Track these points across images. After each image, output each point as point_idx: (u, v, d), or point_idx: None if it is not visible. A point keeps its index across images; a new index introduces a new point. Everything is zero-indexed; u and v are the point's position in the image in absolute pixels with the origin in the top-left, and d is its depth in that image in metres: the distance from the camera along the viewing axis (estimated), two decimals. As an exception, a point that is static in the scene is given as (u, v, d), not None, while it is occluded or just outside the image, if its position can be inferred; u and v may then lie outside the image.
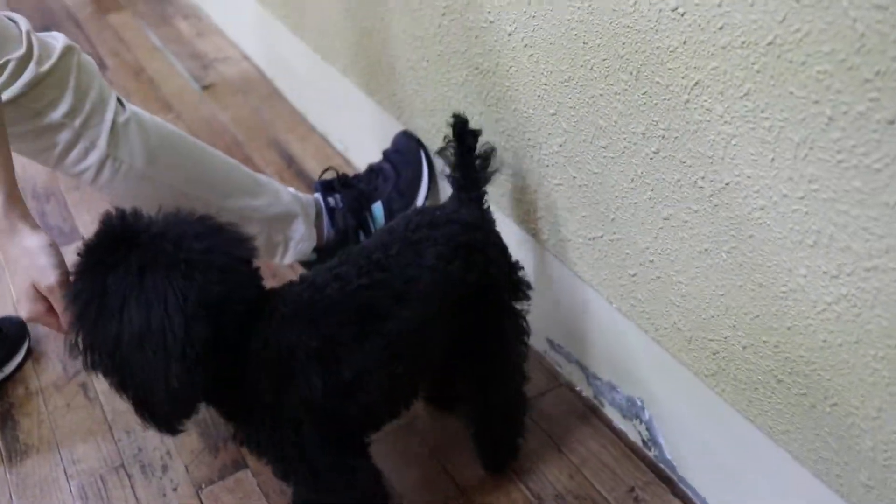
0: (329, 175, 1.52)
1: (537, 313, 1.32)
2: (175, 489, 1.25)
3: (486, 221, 1.08)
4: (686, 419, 1.11)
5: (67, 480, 1.28)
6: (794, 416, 0.92)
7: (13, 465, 1.30)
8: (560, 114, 1.09)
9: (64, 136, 1.17)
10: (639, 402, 1.19)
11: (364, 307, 0.94)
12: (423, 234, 1.00)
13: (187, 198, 1.28)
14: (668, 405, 1.14)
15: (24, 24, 1.13)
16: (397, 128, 1.55)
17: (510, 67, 1.15)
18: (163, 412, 0.88)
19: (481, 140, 1.10)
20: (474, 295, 1.03)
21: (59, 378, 1.43)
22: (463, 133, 1.08)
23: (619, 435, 1.25)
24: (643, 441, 1.21)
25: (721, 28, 0.81)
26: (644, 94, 0.94)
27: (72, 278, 0.88)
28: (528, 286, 1.10)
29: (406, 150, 1.50)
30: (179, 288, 0.84)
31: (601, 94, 1.01)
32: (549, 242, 1.23)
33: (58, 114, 1.15)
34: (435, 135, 1.43)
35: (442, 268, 0.98)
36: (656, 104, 0.93)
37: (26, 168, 1.90)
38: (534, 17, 1.06)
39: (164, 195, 1.26)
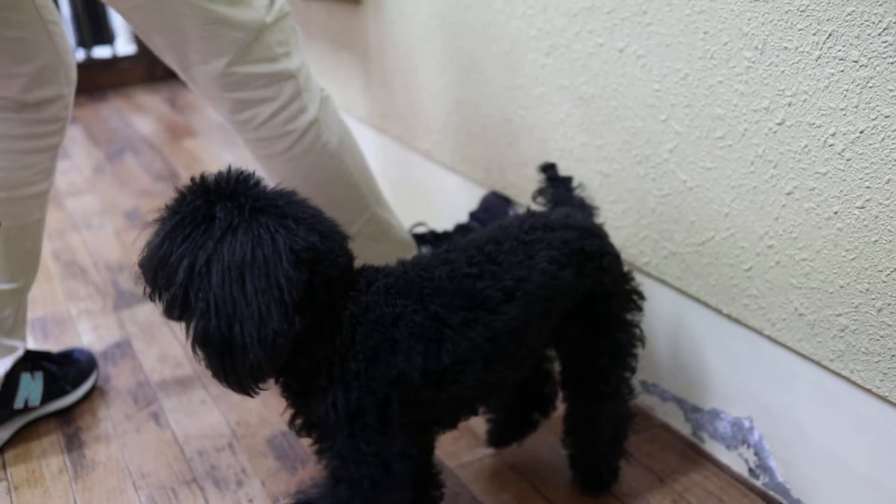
0: (420, 229, 1.54)
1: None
2: (251, 501, 1.18)
3: (601, 229, 1.07)
4: (805, 427, 1.06)
5: (136, 492, 1.21)
6: (938, 375, 0.88)
7: (79, 478, 1.25)
8: (672, 117, 1.12)
9: (288, 90, 1.20)
10: (746, 424, 1.15)
11: (473, 296, 0.92)
12: (537, 236, 0.98)
13: (356, 190, 1.30)
14: (782, 416, 1.09)
15: None
16: (480, 195, 1.59)
17: (619, 85, 1.20)
18: (246, 363, 0.82)
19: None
20: (586, 303, 1.01)
21: (130, 409, 1.40)
22: (555, 177, 1.12)
23: (723, 468, 1.19)
24: (750, 470, 1.15)
25: (859, -30, 0.86)
26: (770, 65, 0.97)
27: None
28: (641, 296, 1.08)
29: (495, 207, 1.52)
30: (289, 233, 0.83)
31: (720, 82, 1.04)
32: (651, 264, 1.23)
33: (291, 64, 1.19)
34: (525, 186, 1.46)
35: (553, 271, 0.96)
36: (783, 72, 0.96)
37: (98, 245, 1.94)
38: (649, 24, 1.12)
39: (341, 179, 1.28)
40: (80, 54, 3.13)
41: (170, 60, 1.18)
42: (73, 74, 1.26)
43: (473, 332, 0.91)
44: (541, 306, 0.96)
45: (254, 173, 0.89)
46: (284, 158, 1.24)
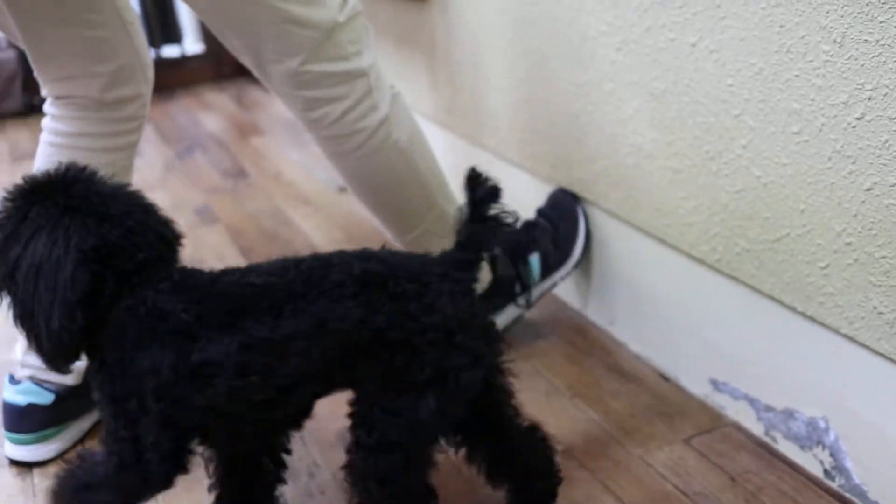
0: (486, 225, 1.53)
1: (699, 353, 1.29)
2: (323, 492, 1.20)
3: (443, 279, 0.96)
4: (884, 428, 1.04)
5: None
6: None
7: (154, 469, 1.27)
8: (746, 112, 1.11)
9: (360, 88, 1.22)
10: (822, 424, 1.13)
11: (244, 303, 0.91)
12: (341, 262, 0.96)
13: (425, 187, 1.32)
14: (859, 416, 1.07)
15: None
16: (547, 192, 1.58)
17: (691, 80, 1.18)
18: (48, 348, 0.91)
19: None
20: (381, 345, 0.93)
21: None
22: (475, 188, 0.98)
23: (797, 469, 1.17)
24: (825, 471, 1.13)
25: (944, -40, 0.84)
26: (849, 58, 0.96)
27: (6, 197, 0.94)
28: (477, 350, 0.96)
29: (563, 204, 1.52)
30: (82, 233, 0.89)
31: (797, 76, 1.03)
32: (723, 261, 1.21)
33: (363, 62, 1.21)
34: (594, 182, 1.45)
35: (337, 296, 0.92)
36: (863, 65, 0.94)
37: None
38: (723, 18, 1.11)
39: (410, 177, 1.30)
40: (150, 53, 3.18)
41: (245, 59, 1.21)
42: (151, 74, 1.29)
43: (229, 337, 0.90)
44: (313, 329, 0.91)
45: (85, 169, 0.96)
46: (355, 156, 1.25)
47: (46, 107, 1.28)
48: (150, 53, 1.33)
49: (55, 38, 1.19)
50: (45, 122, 1.28)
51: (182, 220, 2.08)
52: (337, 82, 1.19)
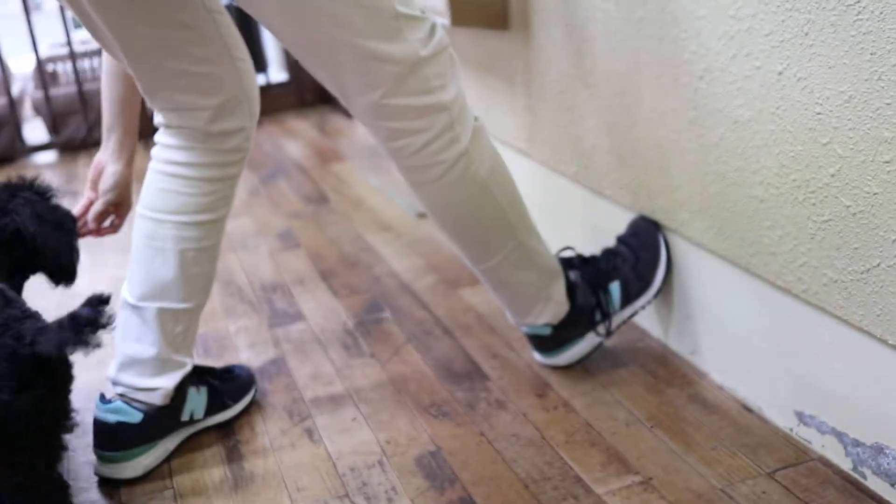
0: (567, 253, 1.54)
1: (784, 385, 1.27)
2: (401, 517, 1.21)
3: None
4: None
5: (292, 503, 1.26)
6: None
7: (238, 489, 1.30)
8: (835, 140, 1.09)
9: (441, 121, 1.23)
10: (913, 461, 1.09)
11: None
12: None
13: (503, 219, 1.33)
14: (953, 454, 1.04)
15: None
16: (627, 220, 1.58)
17: (777, 108, 1.17)
18: None
19: None
20: None
21: (285, 423, 1.45)
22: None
23: (887, 506, 1.14)
24: (917, 509, 1.10)
25: None
26: (943, 86, 0.94)
27: None
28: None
29: (644, 232, 1.51)
30: None
31: (888, 104, 1.01)
32: (810, 291, 1.19)
33: (446, 96, 1.22)
34: (675, 211, 1.44)
35: None
36: (958, 93, 0.92)
37: (253, 266, 2.02)
38: (811, 45, 1.10)
39: (488, 209, 1.31)
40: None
41: (330, 89, 1.24)
42: (256, 108, 1.34)
43: None
44: None
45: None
46: (435, 187, 1.26)
47: (157, 135, 1.34)
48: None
49: (162, 72, 1.25)
50: (155, 150, 1.34)
51: (265, 245, 2.14)
52: (419, 115, 1.21)
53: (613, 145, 1.58)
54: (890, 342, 1.09)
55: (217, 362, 1.63)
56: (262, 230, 2.32)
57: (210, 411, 1.41)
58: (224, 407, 1.43)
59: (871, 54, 1.02)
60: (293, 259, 2.11)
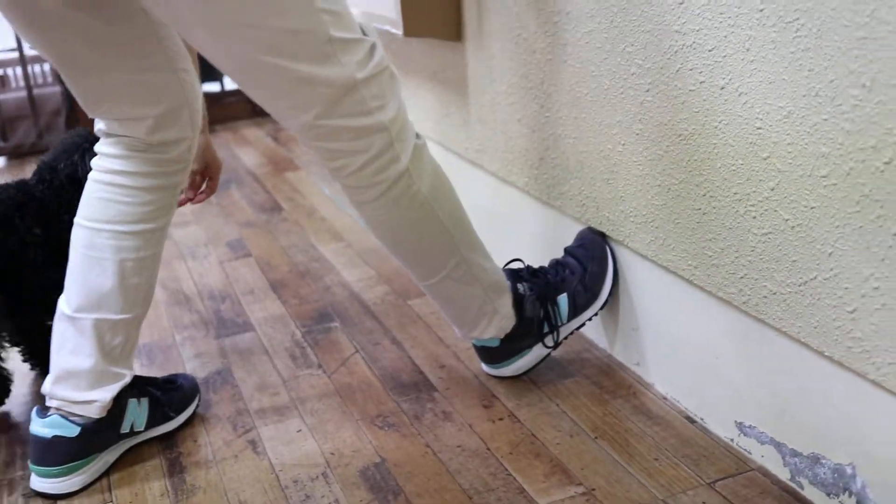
0: (516, 265, 1.54)
1: (725, 396, 1.28)
2: (344, 528, 1.20)
3: None
4: (912, 473, 1.02)
5: (233, 516, 1.24)
6: None
7: (180, 502, 1.28)
8: (774, 155, 1.11)
9: (379, 141, 1.21)
10: (849, 471, 1.11)
11: None
12: None
13: (446, 237, 1.32)
14: (887, 463, 1.05)
15: (366, 26, 1.22)
16: (575, 230, 1.59)
17: (719, 122, 1.19)
18: None
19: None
20: None
21: (229, 435, 1.43)
22: None
23: (824, 516, 1.15)
24: (853, 519, 1.11)
25: (972, 7, 0.84)
26: (877, 103, 0.95)
27: None
28: None
29: (591, 244, 1.52)
30: None
31: (825, 119, 1.03)
32: (750, 303, 1.20)
33: (384, 116, 1.20)
34: (623, 222, 1.45)
35: None
36: (891, 110, 0.94)
37: (202, 275, 2.00)
38: (752, 61, 1.11)
39: (430, 227, 1.30)
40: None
41: (265, 109, 1.22)
42: (199, 119, 1.33)
43: None
44: None
45: None
46: (375, 206, 1.26)
47: (98, 145, 1.32)
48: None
49: (102, 84, 1.23)
50: (95, 160, 1.32)
51: (214, 254, 2.12)
52: (356, 136, 1.19)
53: (562, 157, 1.59)
54: (826, 353, 1.10)
55: (161, 372, 1.60)
56: (212, 239, 2.30)
57: (151, 423, 1.39)
58: (166, 418, 1.41)
59: (809, 70, 1.03)
60: (243, 268, 2.10)
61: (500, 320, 1.41)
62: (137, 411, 1.36)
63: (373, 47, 1.17)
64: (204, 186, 1.59)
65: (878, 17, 0.93)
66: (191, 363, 1.66)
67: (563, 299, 1.49)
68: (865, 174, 0.99)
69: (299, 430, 1.42)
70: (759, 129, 1.13)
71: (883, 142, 0.96)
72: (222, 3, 1.05)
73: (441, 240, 1.31)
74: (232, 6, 1.06)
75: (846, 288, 1.05)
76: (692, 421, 1.37)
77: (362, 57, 1.15)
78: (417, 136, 1.27)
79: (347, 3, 1.16)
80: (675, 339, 1.40)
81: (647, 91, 1.32)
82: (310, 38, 1.10)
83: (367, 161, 1.21)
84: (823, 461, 1.15)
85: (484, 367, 1.55)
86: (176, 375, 1.50)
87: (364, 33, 1.17)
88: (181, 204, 1.50)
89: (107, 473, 1.35)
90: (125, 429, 1.35)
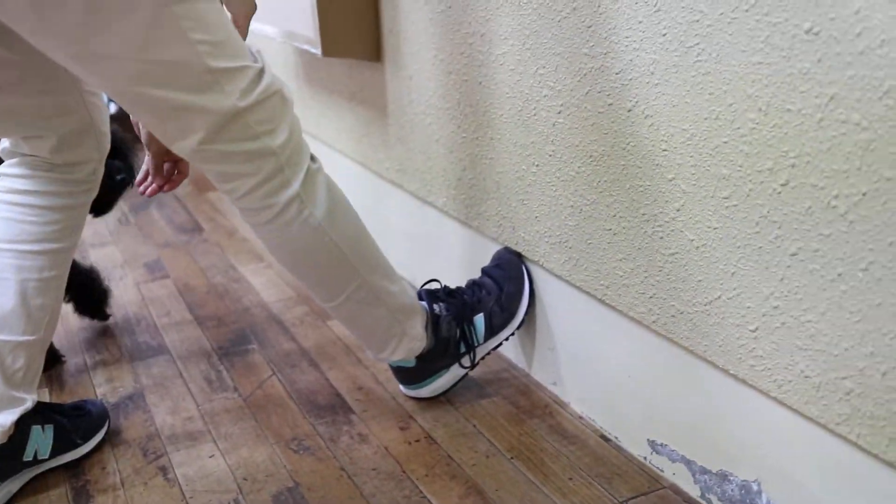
0: (433, 286, 1.54)
1: (638, 414, 1.29)
2: (254, 556, 1.18)
3: None
4: (813, 492, 1.04)
5: (140, 545, 1.21)
6: (945, 442, 0.87)
7: (84, 530, 1.24)
8: (679, 176, 1.13)
9: (268, 166, 1.19)
10: (755, 487, 1.13)
11: None
12: None
13: (343, 261, 1.30)
14: (790, 480, 1.07)
15: (254, 47, 1.20)
16: (493, 250, 1.59)
17: (627, 144, 1.20)
18: None
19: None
20: None
21: (139, 461, 1.40)
22: None
23: (731, 532, 1.17)
24: (759, 535, 1.13)
25: (859, 34, 0.87)
26: (773, 126, 0.98)
27: None
28: None
29: (507, 264, 1.53)
30: None
31: (725, 142, 1.05)
32: (659, 322, 1.22)
33: (273, 141, 1.18)
34: (538, 242, 1.46)
35: None
36: (786, 133, 0.96)
37: (117, 297, 1.96)
38: (657, 84, 1.13)
39: (325, 252, 1.28)
40: (112, 107, 3.19)
41: (153, 133, 1.20)
42: (106, 143, 1.33)
43: None
44: None
45: None
46: (268, 229, 1.24)
47: (2, 166, 1.30)
48: (112, 107, 1.35)
49: (5, 102, 1.22)
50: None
51: (131, 275, 2.08)
52: (243, 160, 1.17)
53: (479, 177, 1.59)
54: (731, 371, 1.12)
55: (71, 398, 1.56)
56: (129, 260, 2.26)
57: (57, 451, 1.35)
58: (73, 446, 1.37)
59: (710, 94, 1.05)
60: (160, 290, 2.06)
61: (410, 342, 1.41)
62: (41, 438, 1.32)
63: (260, 73, 1.15)
64: (175, 174, 1.52)
65: (771, 42, 0.96)
66: (102, 388, 1.62)
67: (479, 319, 1.49)
68: (763, 196, 1.01)
69: (212, 455, 1.40)
70: (665, 150, 1.14)
71: (779, 164, 0.98)
72: (88, 36, 1.02)
73: (338, 263, 1.30)
74: (99, 39, 1.02)
75: (748, 307, 1.07)
76: (607, 440, 1.38)
77: (247, 84, 1.13)
78: (313, 159, 1.26)
79: (231, 28, 1.14)
80: (590, 358, 1.41)
81: (559, 113, 1.33)
82: (185, 68, 1.08)
83: (256, 185, 1.19)
84: (731, 478, 1.17)
85: (401, 388, 1.54)
86: (84, 401, 1.46)
87: (254, 58, 1.16)
88: (150, 194, 1.49)
89: (9, 503, 1.31)
90: (28, 457, 1.30)
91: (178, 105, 1.10)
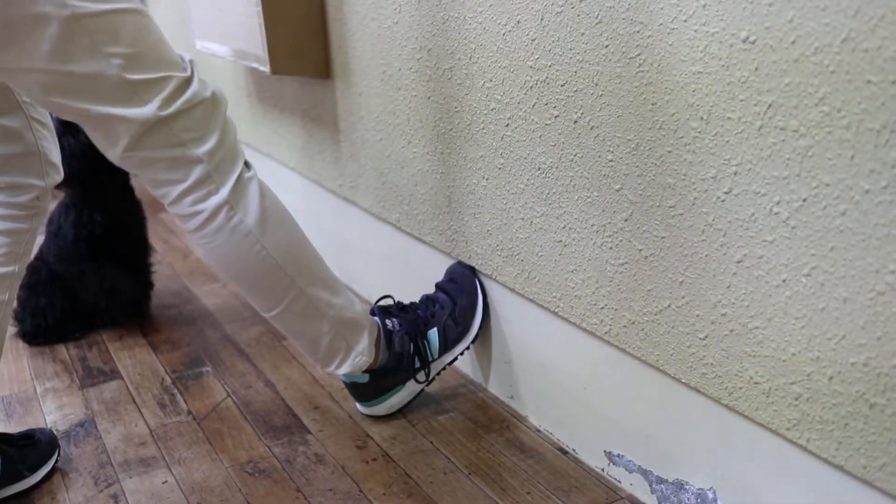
0: (386, 301, 1.53)
1: (595, 426, 1.29)
2: (208, 583, 1.15)
3: None
4: (766, 498, 1.05)
5: (91, 576, 1.18)
6: (892, 444, 0.87)
7: (33, 563, 1.21)
8: (626, 186, 1.13)
9: (196, 173, 1.19)
10: (710, 495, 1.13)
11: None
12: None
13: (276, 270, 1.29)
14: (744, 486, 1.07)
15: (187, 56, 1.19)
16: (447, 265, 1.59)
17: (574, 155, 1.21)
18: None
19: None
20: None
21: (90, 490, 1.37)
22: None
23: (689, 541, 1.17)
24: (715, 542, 1.13)
25: (793, 42, 0.87)
26: (715, 135, 0.98)
27: None
28: None
29: (461, 278, 1.52)
30: None
31: (669, 151, 1.05)
32: (611, 333, 1.22)
33: (200, 149, 1.18)
34: (490, 256, 1.46)
35: None
36: (728, 141, 0.97)
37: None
38: (601, 95, 1.13)
39: (257, 259, 1.27)
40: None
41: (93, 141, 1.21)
42: (55, 175, 1.33)
43: None
44: None
45: None
46: (199, 235, 1.24)
47: None
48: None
49: None
50: None
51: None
52: (169, 167, 1.18)
53: (430, 192, 1.59)
54: (683, 380, 1.12)
55: (21, 427, 1.53)
56: (81, 284, 2.22)
57: (4, 482, 1.32)
58: (20, 477, 1.34)
59: (653, 104, 1.06)
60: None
61: (356, 356, 1.40)
62: (-13, 471, 1.29)
63: (186, 82, 1.15)
64: None
65: (710, 52, 0.96)
66: (52, 416, 1.59)
67: (433, 334, 1.48)
68: (708, 204, 1.02)
69: (165, 482, 1.37)
70: (611, 161, 1.15)
71: (722, 172, 0.99)
72: (4, 49, 1.04)
73: (272, 272, 1.29)
74: (11, 54, 1.05)
75: (697, 315, 1.07)
76: (564, 452, 1.38)
77: (169, 93, 1.13)
78: (248, 166, 1.25)
79: (155, 39, 1.13)
80: (546, 371, 1.41)
81: (507, 126, 1.33)
82: (99, 80, 1.09)
83: (184, 191, 1.20)
84: (687, 486, 1.17)
85: (357, 405, 1.53)
86: (33, 430, 1.43)
87: (182, 66, 1.16)
88: None
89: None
90: (-27, 490, 1.28)
91: (98, 115, 1.11)
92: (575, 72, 1.17)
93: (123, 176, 1.90)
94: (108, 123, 1.12)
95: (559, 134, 1.23)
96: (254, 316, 1.95)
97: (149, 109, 1.12)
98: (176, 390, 1.66)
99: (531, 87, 1.26)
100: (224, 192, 1.21)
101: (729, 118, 0.96)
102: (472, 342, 1.51)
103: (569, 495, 1.28)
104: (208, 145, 1.18)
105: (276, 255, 1.27)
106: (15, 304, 1.83)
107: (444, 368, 1.52)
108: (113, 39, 1.07)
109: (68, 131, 1.76)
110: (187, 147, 1.17)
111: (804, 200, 0.90)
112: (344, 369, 1.41)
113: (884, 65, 0.80)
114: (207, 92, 1.18)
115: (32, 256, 1.81)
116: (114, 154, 1.17)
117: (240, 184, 1.22)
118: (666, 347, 1.13)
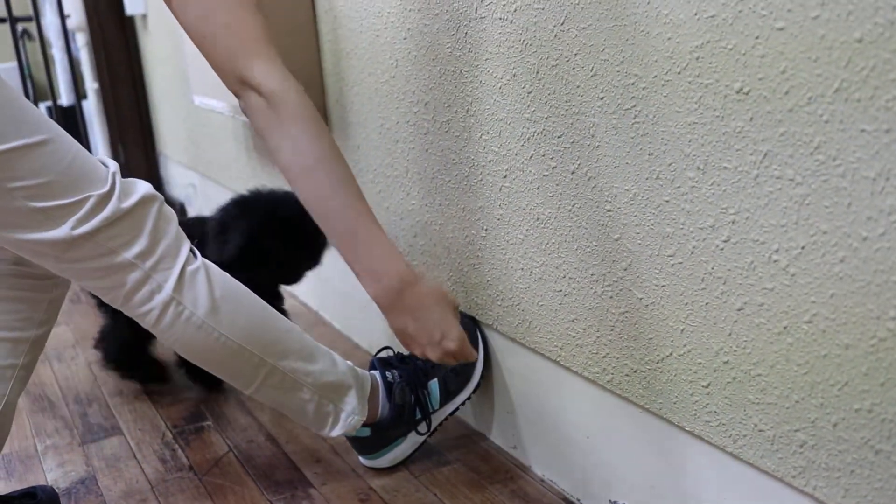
0: (386, 353, 1.53)
1: (599, 475, 1.29)
2: None
3: None
4: (773, 543, 1.04)
5: None
6: (897, 490, 0.87)
7: None
8: (625, 236, 1.14)
9: (133, 277, 1.21)
10: (717, 544, 1.12)
11: None
12: None
13: (241, 352, 1.29)
14: (751, 535, 1.07)
15: (112, 166, 1.21)
16: (449, 316, 1.59)
17: (573, 206, 1.22)
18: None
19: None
20: None
21: (91, 548, 1.36)
22: None
23: (697, 591, 1.16)
24: (724, 593, 1.12)
25: (787, 92, 0.89)
26: (712, 184, 1.00)
27: None
28: None
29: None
30: None
31: (667, 201, 1.06)
32: (614, 382, 1.22)
33: (130, 254, 1.19)
34: (490, 306, 1.46)
35: None
36: (725, 191, 0.98)
37: (69, 378, 1.92)
38: (598, 146, 1.15)
39: (218, 346, 1.28)
40: None
41: None
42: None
43: None
44: None
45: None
46: (157, 331, 1.25)
47: None
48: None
49: None
50: None
51: (83, 356, 2.04)
52: (104, 274, 1.19)
53: (430, 244, 1.60)
54: (687, 428, 1.12)
55: (21, 484, 1.52)
56: (81, 340, 2.22)
57: (6, 542, 1.31)
58: (21, 536, 1.33)
59: (650, 154, 1.07)
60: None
61: (347, 417, 1.39)
62: (-12, 531, 1.28)
63: (104, 198, 1.16)
64: None
65: (705, 103, 0.98)
66: (53, 473, 1.58)
67: (433, 384, 1.48)
68: (707, 252, 1.02)
69: (167, 540, 1.36)
70: (609, 211, 1.16)
71: (720, 221, 1.00)
72: None
73: (238, 356, 1.29)
74: None
75: (699, 363, 1.08)
76: (569, 502, 1.37)
77: (84, 213, 1.15)
78: (194, 254, 1.26)
79: (65, 164, 1.14)
80: (549, 420, 1.40)
81: (505, 177, 1.35)
82: (9, 212, 1.12)
83: (126, 294, 1.22)
84: (692, 536, 1.16)
85: (360, 458, 1.52)
86: (34, 487, 1.42)
87: (102, 182, 1.16)
88: None
89: None
90: (-26, 552, 1.26)
91: (18, 240, 1.14)
92: (571, 124, 1.18)
93: None
94: (31, 245, 1.15)
95: (557, 185, 1.24)
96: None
97: (62, 231, 1.14)
98: (177, 445, 1.65)
99: (528, 139, 1.27)
100: (168, 289, 1.22)
101: (725, 167, 0.97)
102: (474, 392, 1.51)
103: (574, 546, 1.27)
104: (138, 248, 1.19)
105: (238, 339, 1.28)
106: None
107: (445, 419, 1.51)
108: (15, 175, 1.09)
109: None
110: (117, 253, 1.18)
111: (803, 248, 0.91)
112: (338, 431, 1.41)
113: (877, 114, 0.81)
114: (132, 200, 1.19)
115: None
116: (51, 269, 1.20)
117: (183, 278, 1.23)
118: (669, 395, 1.13)
